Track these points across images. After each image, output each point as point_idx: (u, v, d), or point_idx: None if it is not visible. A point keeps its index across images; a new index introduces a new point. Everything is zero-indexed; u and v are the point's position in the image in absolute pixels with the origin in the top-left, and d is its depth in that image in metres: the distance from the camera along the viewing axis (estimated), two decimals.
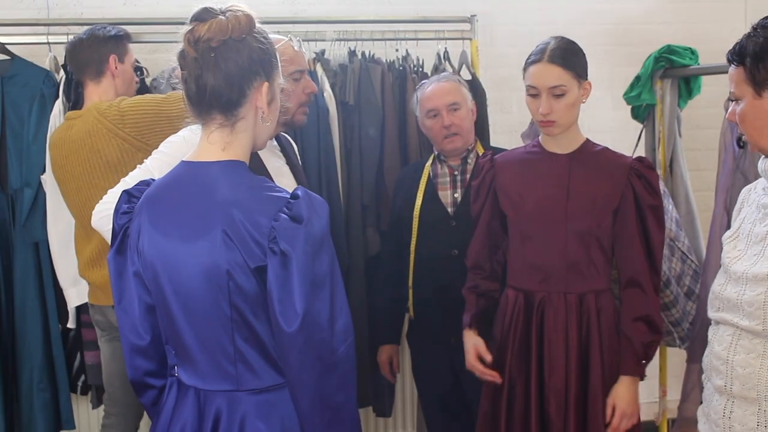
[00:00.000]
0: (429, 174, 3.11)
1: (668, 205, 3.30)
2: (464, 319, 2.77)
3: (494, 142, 3.75)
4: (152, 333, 1.86)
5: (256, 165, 2.41)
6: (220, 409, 1.74)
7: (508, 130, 3.97)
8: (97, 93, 2.99)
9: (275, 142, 2.58)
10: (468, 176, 3.05)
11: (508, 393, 2.64)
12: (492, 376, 2.65)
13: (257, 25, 1.76)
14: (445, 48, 3.82)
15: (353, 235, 3.62)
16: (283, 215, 1.64)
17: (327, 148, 3.53)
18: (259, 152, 2.42)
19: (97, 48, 2.98)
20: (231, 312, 1.69)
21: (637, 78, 3.56)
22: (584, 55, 2.58)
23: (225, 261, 1.65)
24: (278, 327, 1.64)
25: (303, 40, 3.63)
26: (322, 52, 3.73)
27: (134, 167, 2.46)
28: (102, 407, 3.19)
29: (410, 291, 3.12)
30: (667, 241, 3.16)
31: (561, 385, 2.55)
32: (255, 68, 1.74)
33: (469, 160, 3.08)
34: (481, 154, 3.04)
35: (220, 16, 1.70)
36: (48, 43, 3.47)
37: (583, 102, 2.57)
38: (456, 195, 3.06)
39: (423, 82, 3.19)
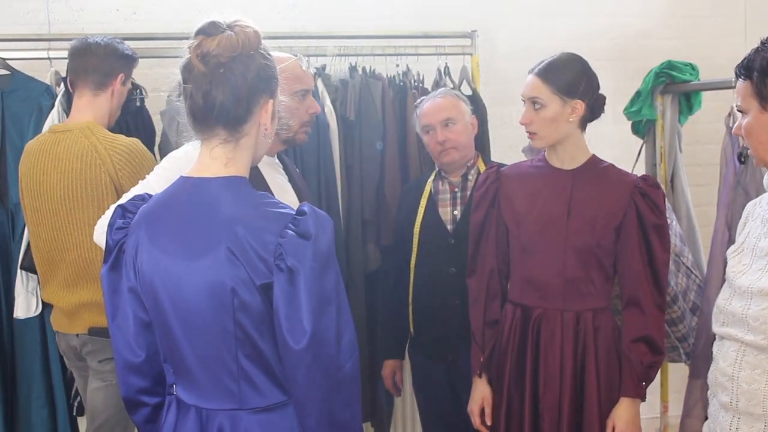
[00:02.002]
0: (431, 190, 3.11)
1: (672, 220, 3.30)
2: (473, 362, 2.73)
3: (495, 157, 3.74)
4: (147, 350, 1.84)
5: (258, 181, 2.40)
6: (223, 427, 1.72)
7: (508, 144, 3.97)
8: (92, 108, 2.88)
9: (276, 160, 2.57)
10: (468, 193, 3.04)
11: (506, 408, 2.63)
12: (485, 430, 2.69)
13: (262, 41, 1.76)
14: (446, 63, 3.83)
15: (353, 250, 3.61)
16: (290, 231, 1.63)
17: (327, 164, 3.53)
18: (261, 169, 2.42)
19: (111, 60, 2.90)
20: (235, 329, 1.67)
21: (638, 93, 3.57)
22: (585, 74, 2.55)
23: (229, 278, 1.64)
24: (285, 344, 1.63)
25: (304, 56, 3.68)
26: (323, 67, 3.72)
27: (111, 203, 2.40)
28: None
29: (410, 308, 3.11)
30: (672, 257, 3.15)
31: (555, 402, 2.54)
32: (262, 86, 1.73)
33: (470, 177, 3.08)
34: (482, 171, 3.04)
35: (228, 32, 1.69)
36: (49, 58, 3.46)
37: (571, 120, 2.54)
38: (456, 212, 3.05)
39: (422, 98, 3.19)
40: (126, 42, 3.05)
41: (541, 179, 2.63)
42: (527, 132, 2.59)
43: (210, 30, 1.70)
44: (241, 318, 1.67)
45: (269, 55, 1.77)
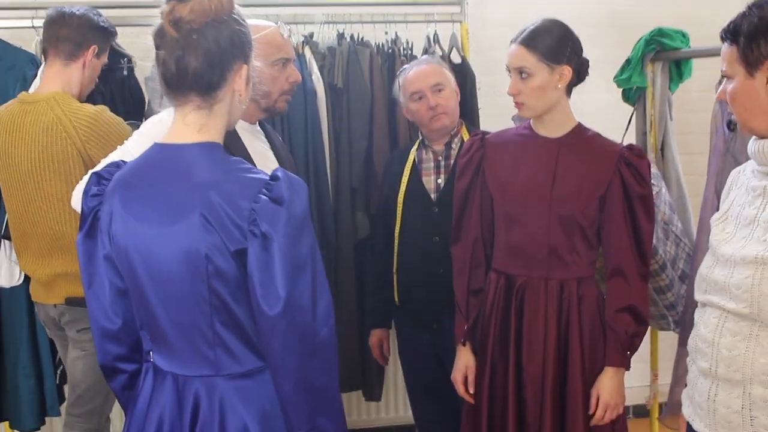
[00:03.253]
0: (414, 159, 3.09)
1: (662, 188, 3.28)
2: (457, 330, 2.73)
3: (485, 126, 3.68)
4: (123, 317, 1.84)
5: (238, 148, 2.39)
6: (199, 394, 1.72)
7: (499, 113, 3.90)
8: (61, 78, 2.83)
9: (258, 127, 2.55)
10: (452, 161, 3.02)
11: (490, 378, 2.64)
12: (469, 397, 2.69)
13: (236, 6, 1.74)
14: (435, 31, 3.79)
15: (342, 219, 3.60)
16: (264, 197, 1.62)
17: (315, 132, 3.50)
18: (241, 136, 2.41)
19: (84, 30, 2.86)
20: (210, 296, 1.67)
21: (628, 61, 3.54)
22: (569, 38, 2.52)
23: (204, 244, 1.63)
24: (260, 310, 1.62)
25: (291, 23, 3.64)
26: (311, 35, 3.69)
27: (79, 176, 2.37)
28: None
29: (395, 277, 3.10)
30: (661, 225, 3.14)
31: (538, 372, 2.54)
32: (236, 51, 1.72)
33: (453, 145, 3.06)
34: (466, 139, 3.02)
35: None
36: (34, 27, 3.42)
37: (559, 87, 2.51)
38: (439, 181, 3.03)
39: (404, 67, 3.16)
40: (114, 9, 3.00)
41: (526, 147, 2.61)
42: (515, 102, 2.57)
43: None
44: (215, 284, 1.66)
45: (243, 20, 1.76)
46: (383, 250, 3.15)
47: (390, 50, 3.70)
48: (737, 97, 1.87)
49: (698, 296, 1.99)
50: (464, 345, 2.72)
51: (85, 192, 1.84)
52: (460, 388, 2.71)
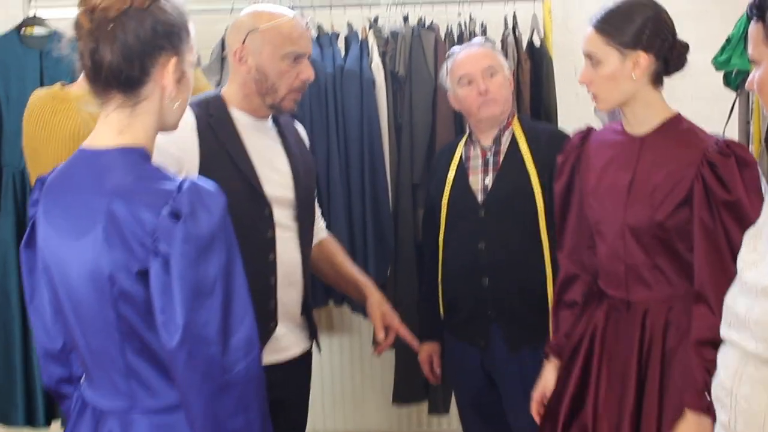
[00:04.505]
0: (461, 156, 2.79)
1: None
2: (548, 343, 2.43)
3: (569, 115, 3.37)
4: (65, 336, 1.67)
5: (234, 145, 2.21)
6: None
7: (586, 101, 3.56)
8: None
9: (269, 122, 2.34)
10: (501, 158, 2.70)
11: (569, 406, 2.29)
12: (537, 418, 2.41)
13: None
14: (514, 11, 3.45)
15: (402, 217, 3.35)
16: (165, 211, 1.41)
17: (372, 124, 3.26)
18: (242, 131, 2.23)
19: None
20: (118, 321, 1.48)
21: (728, 40, 3.08)
22: (650, 20, 2.12)
23: (107, 263, 1.44)
24: (162, 340, 1.42)
25: (356, 5, 3.42)
26: (376, 19, 3.44)
27: None
28: None
29: (439, 287, 2.82)
30: None
31: (614, 408, 2.18)
32: (160, 42, 1.52)
33: (503, 140, 2.72)
34: (517, 133, 2.71)
35: None
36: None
37: (635, 77, 2.12)
38: (487, 181, 2.71)
39: (452, 49, 2.84)
40: None
41: (614, 147, 2.25)
42: (590, 94, 2.22)
43: None
44: (122, 308, 1.47)
45: (174, 7, 1.55)
46: (432, 256, 2.87)
47: (459, 33, 3.39)
48: (765, 86, 1.48)
49: (722, 331, 1.62)
50: (549, 360, 2.43)
51: (30, 198, 1.69)
52: (533, 407, 2.43)
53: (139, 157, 1.52)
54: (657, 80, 2.17)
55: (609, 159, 2.25)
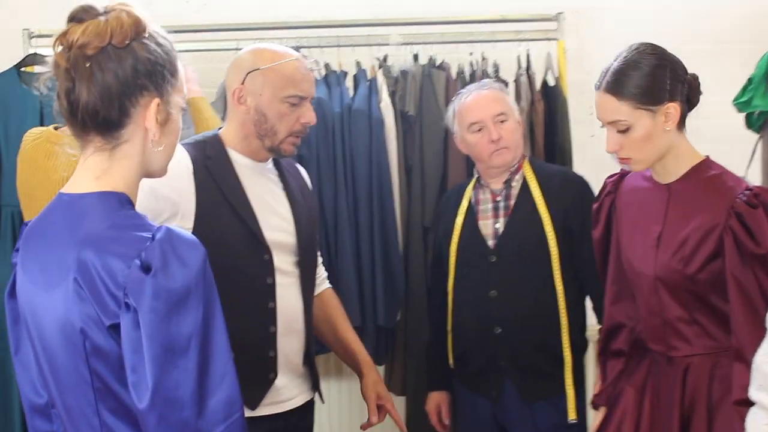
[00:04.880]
0: (470, 200, 2.68)
1: None
2: (596, 393, 2.33)
3: (584, 156, 3.28)
4: (47, 391, 1.56)
5: (233, 189, 2.13)
6: None
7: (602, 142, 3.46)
8: None
9: (270, 165, 2.26)
10: (512, 202, 2.60)
11: None
12: None
13: (149, 28, 1.43)
14: (527, 50, 3.37)
15: (412, 261, 3.24)
16: (136, 262, 1.31)
17: (381, 164, 3.17)
18: (241, 175, 2.15)
19: None
20: (91, 378, 1.37)
21: (749, 80, 2.99)
22: (665, 67, 2.03)
23: (78, 316, 1.34)
24: (134, 400, 1.31)
25: (365, 45, 3.34)
26: (385, 58, 3.37)
27: None
28: None
29: (448, 336, 2.70)
30: None
31: None
32: (141, 82, 1.42)
33: (514, 183, 2.62)
34: (528, 176, 2.61)
35: (100, 17, 1.40)
36: None
37: (668, 130, 2.03)
38: (497, 225, 2.61)
39: (460, 92, 2.74)
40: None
41: (643, 196, 2.17)
42: (619, 159, 2.10)
43: (80, 15, 1.41)
44: (95, 364, 1.36)
45: (158, 45, 1.44)
46: (440, 304, 2.76)
47: (471, 73, 3.31)
48: None
49: (751, 392, 1.50)
50: (596, 410, 2.33)
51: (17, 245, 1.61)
52: None
53: (117, 202, 1.42)
54: (682, 124, 2.09)
55: (639, 208, 2.17)
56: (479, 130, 2.59)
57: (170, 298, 1.29)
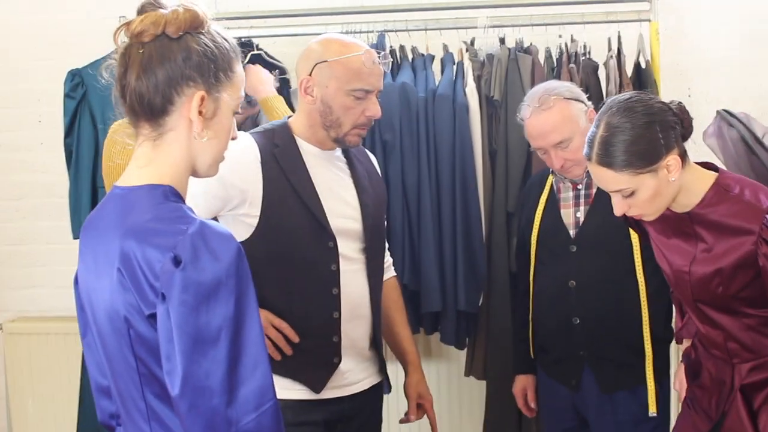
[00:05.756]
0: (551, 188, 2.65)
1: None
2: (677, 330, 2.39)
3: None
4: None
5: (300, 177, 2.17)
6: None
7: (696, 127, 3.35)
8: None
9: (338, 152, 2.29)
10: (594, 191, 2.54)
11: None
12: None
13: (208, 24, 1.48)
14: (618, 32, 3.29)
15: (496, 247, 3.22)
16: (170, 254, 1.36)
17: (464, 150, 3.16)
18: (308, 162, 2.20)
19: None
20: (137, 363, 1.44)
21: None
22: (652, 123, 1.93)
23: (122, 305, 1.41)
24: (169, 387, 1.37)
25: (452, 28, 3.33)
26: (472, 41, 3.34)
27: None
28: None
29: (530, 324, 2.69)
30: None
31: None
32: (188, 72, 1.46)
33: None
34: None
35: (161, 10, 1.47)
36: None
37: (673, 180, 1.96)
38: (578, 214, 2.56)
39: (521, 104, 2.61)
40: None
41: (669, 220, 2.11)
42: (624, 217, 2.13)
43: (145, 8, 1.48)
44: (139, 351, 1.42)
45: (213, 41, 1.48)
46: (526, 290, 2.74)
47: (558, 56, 3.25)
48: None
49: None
50: (679, 343, 2.42)
51: None
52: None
53: (162, 195, 1.46)
54: (685, 159, 2.01)
55: (664, 231, 2.15)
56: (543, 153, 2.55)
57: (199, 290, 1.33)
